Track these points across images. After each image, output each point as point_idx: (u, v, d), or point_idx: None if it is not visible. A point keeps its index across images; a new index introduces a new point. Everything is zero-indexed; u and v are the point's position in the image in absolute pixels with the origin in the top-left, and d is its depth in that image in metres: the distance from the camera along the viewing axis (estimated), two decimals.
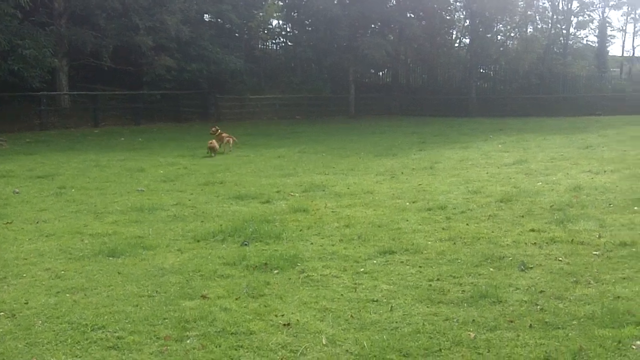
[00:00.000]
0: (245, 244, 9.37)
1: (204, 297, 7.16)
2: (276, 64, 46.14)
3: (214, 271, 8.10)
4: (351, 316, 6.52)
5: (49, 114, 32.48)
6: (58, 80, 33.40)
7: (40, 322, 6.51)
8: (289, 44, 49.16)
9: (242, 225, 10.30)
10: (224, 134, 22.94)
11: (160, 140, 26.88)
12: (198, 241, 9.71)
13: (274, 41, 49.55)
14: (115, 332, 6.25)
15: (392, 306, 6.77)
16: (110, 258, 8.83)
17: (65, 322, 6.52)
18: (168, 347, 5.87)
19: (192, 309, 6.77)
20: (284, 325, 6.31)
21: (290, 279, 7.77)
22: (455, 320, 6.32)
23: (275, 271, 8.04)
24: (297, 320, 6.43)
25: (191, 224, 10.86)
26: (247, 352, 5.74)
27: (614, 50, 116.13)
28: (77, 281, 7.84)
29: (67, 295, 7.34)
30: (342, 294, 7.20)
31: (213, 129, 23.67)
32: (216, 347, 5.84)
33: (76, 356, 5.74)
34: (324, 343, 5.88)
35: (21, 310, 6.84)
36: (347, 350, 5.70)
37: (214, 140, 22.08)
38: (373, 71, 51.52)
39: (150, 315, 6.66)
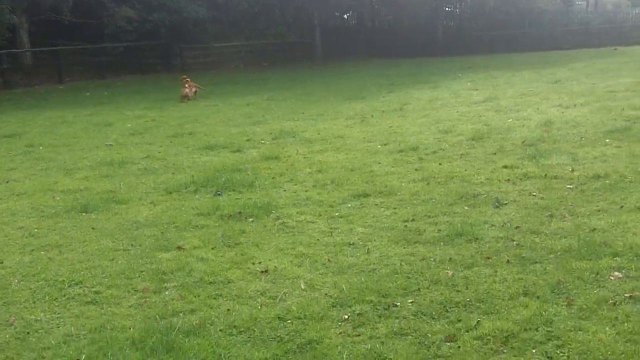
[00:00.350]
0: (219, 194, 9.33)
1: (179, 248, 7.13)
2: (239, 11, 45.46)
3: (189, 222, 8.07)
4: (328, 260, 6.52)
5: (11, 72, 31.97)
6: (19, 37, 32.74)
7: (16, 280, 6.46)
8: None
9: (214, 176, 10.25)
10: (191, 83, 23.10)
11: (126, 94, 26.54)
12: (170, 193, 9.65)
13: None
14: (92, 287, 6.21)
15: (368, 249, 6.78)
16: (83, 214, 8.76)
17: (42, 279, 6.47)
18: (147, 300, 5.84)
19: (168, 261, 6.74)
20: (262, 272, 6.30)
21: (265, 226, 7.75)
22: (432, 259, 6.34)
23: (250, 219, 8.01)
24: (275, 266, 6.43)
25: (162, 176, 10.78)
26: (226, 300, 5.73)
27: None
28: (51, 238, 7.78)
29: (42, 252, 7.28)
30: (318, 239, 7.20)
31: (183, 77, 23.78)
32: (195, 297, 5.82)
33: (54, 313, 5.70)
34: (303, 288, 5.88)
35: None
36: (326, 294, 5.71)
37: (185, 89, 22.47)
38: (338, 14, 51.07)
39: (127, 268, 6.62)
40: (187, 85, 22.86)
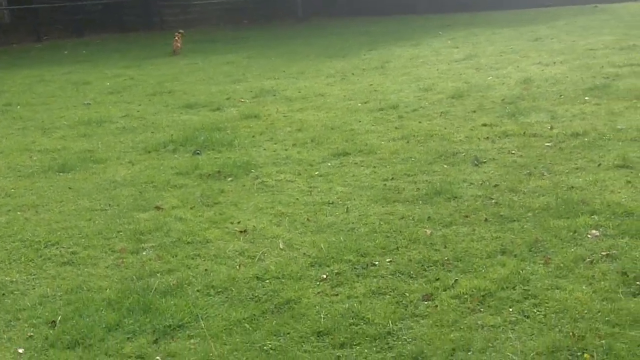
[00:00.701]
0: (197, 153, 9.27)
1: (158, 208, 7.10)
2: None
3: (167, 181, 8.03)
4: (307, 219, 6.51)
5: None
6: None
7: None
8: None
9: (193, 134, 10.18)
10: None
11: (105, 52, 26.22)
12: (149, 152, 9.58)
13: None
14: (69, 248, 6.19)
15: (347, 208, 6.77)
16: (61, 174, 8.70)
17: (18, 240, 6.45)
18: (124, 260, 5.83)
19: (146, 221, 6.71)
20: (240, 232, 6.29)
21: (244, 185, 7.72)
22: (411, 218, 6.34)
23: (229, 179, 7.98)
24: (254, 226, 6.41)
25: (141, 135, 10.70)
26: (204, 260, 5.72)
27: None
28: (27, 198, 7.73)
29: (19, 213, 7.24)
30: (297, 198, 7.18)
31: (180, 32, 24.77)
32: (172, 257, 5.80)
33: (31, 274, 5.67)
34: (281, 247, 5.88)
35: None
36: (304, 254, 5.70)
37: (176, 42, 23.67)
38: None
39: (104, 229, 6.60)
40: (176, 38, 23.76)
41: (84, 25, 34.29)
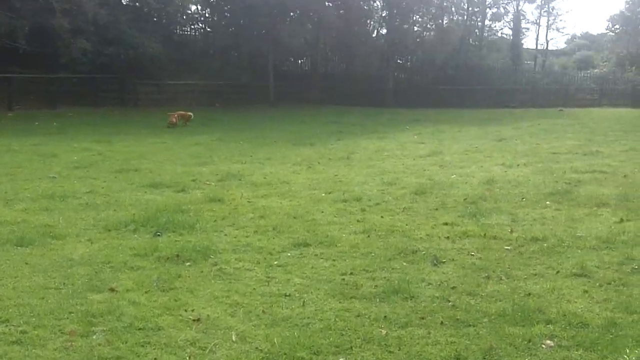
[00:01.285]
0: (158, 235, 9.22)
1: (112, 290, 7.00)
2: (195, 50, 45.56)
3: (124, 263, 7.94)
4: (263, 311, 6.45)
5: None
6: None
7: None
8: (208, 30, 48.80)
9: (155, 215, 10.13)
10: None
11: (76, 125, 26.29)
12: (109, 231, 9.51)
13: (193, 27, 49.11)
14: (19, 327, 6.05)
15: (304, 301, 6.72)
16: (18, 247, 8.58)
17: None
18: (73, 343, 5.71)
19: (99, 303, 6.61)
20: (194, 320, 6.21)
21: (202, 271, 7.66)
22: (367, 316, 6.31)
23: (188, 263, 7.91)
24: (208, 315, 6.34)
25: (103, 212, 10.63)
26: (154, 349, 5.62)
27: (529, 43, 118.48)
28: None
29: None
30: (254, 288, 7.13)
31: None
32: (122, 343, 5.70)
33: None
34: (234, 340, 5.80)
35: None
36: (257, 348, 5.63)
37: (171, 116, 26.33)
38: (292, 59, 51.52)
39: (57, 308, 6.48)
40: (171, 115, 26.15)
41: (58, 97, 34.38)
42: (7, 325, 6.08)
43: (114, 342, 5.70)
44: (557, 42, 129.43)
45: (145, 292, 6.93)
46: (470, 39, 52.75)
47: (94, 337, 5.83)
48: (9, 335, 5.86)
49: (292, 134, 23.65)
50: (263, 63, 43.84)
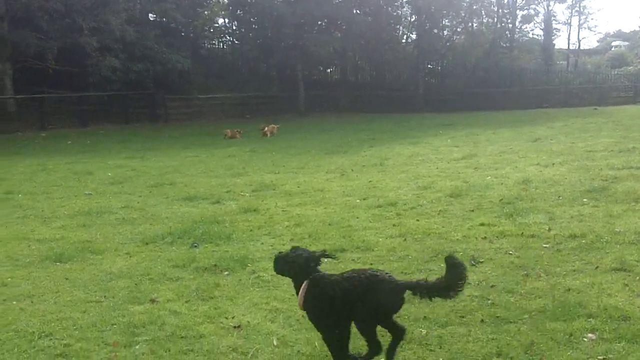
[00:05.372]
0: (195, 246, 9.27)
1: (152, 301, 7.05)
2: (223, 63, 45.89)
3: (163, 274, 8.00)
4: (302, 316, 6.45)
5: None
6: (3, 83, 32.80)
7: None
8: (236, 42, 49.07)
9: (192, 227, 10.20)
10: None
11: (108, 142, 26.55)
12: (147, 244, 9.59)
13: (220, 40, 49.43)
14: (62, 340, 6.12)
15: None
16: (58, 263, 8.68)
17: (12, 330, 6.39)
18: (117, 354, 5.76)
19: (141, 314, 6.66)
20: (235, 327, 6.24)
21: (240, 280, 7.70)
22: (407, 317, 6.29)
23: (225, 273, 7.96)
24: (248, 322, 6.37)
25: (140, 226, 10.73)
26: (197, 356, 5.65)
27: (560, 43, 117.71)
28: (23, 288, 7.69)
29: (14, 302, 7.20)
30: (292, 294, 7.09)
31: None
32: (165, 351, 5.74)
33: None
34: (275, 344, 5.82)
35: None
36: (298, 351, 5.65)
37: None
38: (321, 68, 51.59)
39: (99, 321, 6.54)
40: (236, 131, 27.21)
41: (89, 116, 34.73)
42: (50, 339, 6.15)
43: (157, 352, 5.74)
44: (590, 41, 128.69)
45: (186, 302, 6.98)
46: (501, 41, 52.43)
47: (137, 347, 5.88)
48: (52, 349, 5.93)
49: (323, 143, 23.68)
50: (292, 73, 44.01)
